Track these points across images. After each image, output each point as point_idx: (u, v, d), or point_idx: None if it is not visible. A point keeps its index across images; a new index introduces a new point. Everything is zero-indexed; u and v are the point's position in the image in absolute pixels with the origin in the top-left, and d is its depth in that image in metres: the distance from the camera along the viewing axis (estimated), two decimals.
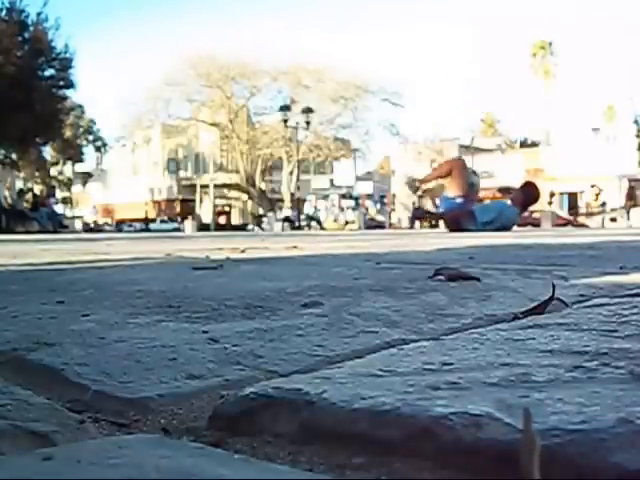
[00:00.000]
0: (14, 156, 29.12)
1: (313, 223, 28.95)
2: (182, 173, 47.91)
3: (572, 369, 0.72)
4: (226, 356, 0.95)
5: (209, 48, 38.19)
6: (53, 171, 42.67)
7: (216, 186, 41.07)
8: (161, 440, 0.62)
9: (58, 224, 22.52)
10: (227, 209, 46.33)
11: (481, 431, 0.53)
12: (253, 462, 0.55)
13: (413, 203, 32.74)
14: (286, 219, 28.42)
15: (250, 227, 32.05)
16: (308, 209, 31.85)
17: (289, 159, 37.74)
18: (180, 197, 46.90)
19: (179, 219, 38.54)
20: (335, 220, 31.10)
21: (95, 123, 45.89)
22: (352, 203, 32.80)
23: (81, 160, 44.67)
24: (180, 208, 44.97)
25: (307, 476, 0.53)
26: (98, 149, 47.87)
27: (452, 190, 11.41)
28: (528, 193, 11.11)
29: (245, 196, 43.68)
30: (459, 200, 11.21)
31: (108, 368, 0.88)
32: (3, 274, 2.65)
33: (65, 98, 28.12)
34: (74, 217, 33.08)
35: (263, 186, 41.91)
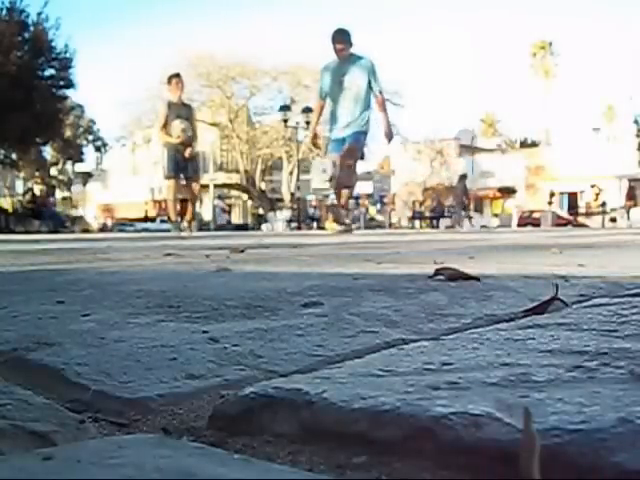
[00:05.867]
0: (14, 156, 29.13)
1: (313, 223, 28.95)
2: None
3: (572, 369, 0.72)
4: (226, 356, 0.95)
5: (209, 48, 38.22)
6: (53, 171, 42.67)
7: (216, 186, 41.06)
8: (161, 440, 0.62)
9: (59, 224, 22.53)
10: (227, 209, 46.29)
11: (481, 431, 0.53)
12: (253, 462, 0.55)
13: (413, 202, 32.74)
14: (286, 219, 28.43)
15: (250, 226, 32.02)
16: (308, 209, 31.85)
17: (289, 159, 37.73)
18: (180, 197, 46.85)
19: (179, 219, 38.48)
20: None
21: (95, 123, 45.93)
22: (352, 203, 32.75)
23: (81, 160, 44.69)
24: (180, 208, 44.92)
25: (307, 476, 0.53)
26: (98, 149, 47.87)
27: None
28: None
29: (245, 196, 43.68)
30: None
31: (108, 368, 0.88)
32: (3, 274, 2.64)
33: (65, 98, 28.11)
34: (74, 217, 33.08)
35: (263, 186, 41.90)
